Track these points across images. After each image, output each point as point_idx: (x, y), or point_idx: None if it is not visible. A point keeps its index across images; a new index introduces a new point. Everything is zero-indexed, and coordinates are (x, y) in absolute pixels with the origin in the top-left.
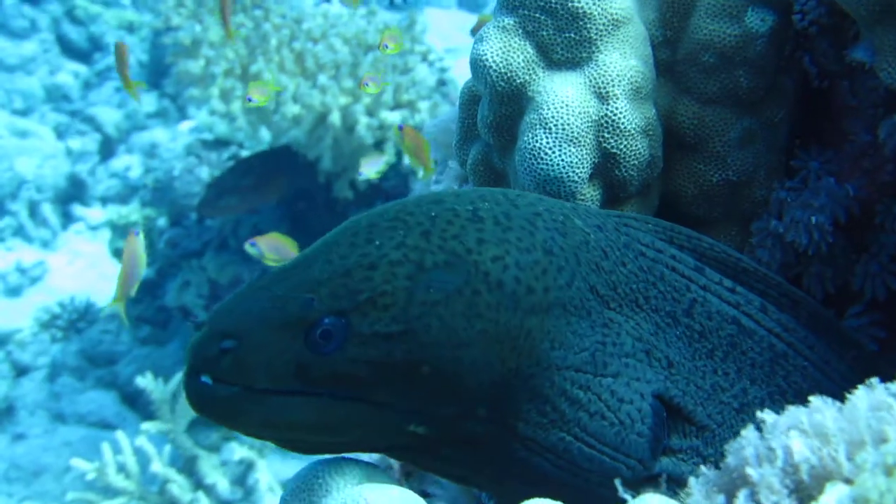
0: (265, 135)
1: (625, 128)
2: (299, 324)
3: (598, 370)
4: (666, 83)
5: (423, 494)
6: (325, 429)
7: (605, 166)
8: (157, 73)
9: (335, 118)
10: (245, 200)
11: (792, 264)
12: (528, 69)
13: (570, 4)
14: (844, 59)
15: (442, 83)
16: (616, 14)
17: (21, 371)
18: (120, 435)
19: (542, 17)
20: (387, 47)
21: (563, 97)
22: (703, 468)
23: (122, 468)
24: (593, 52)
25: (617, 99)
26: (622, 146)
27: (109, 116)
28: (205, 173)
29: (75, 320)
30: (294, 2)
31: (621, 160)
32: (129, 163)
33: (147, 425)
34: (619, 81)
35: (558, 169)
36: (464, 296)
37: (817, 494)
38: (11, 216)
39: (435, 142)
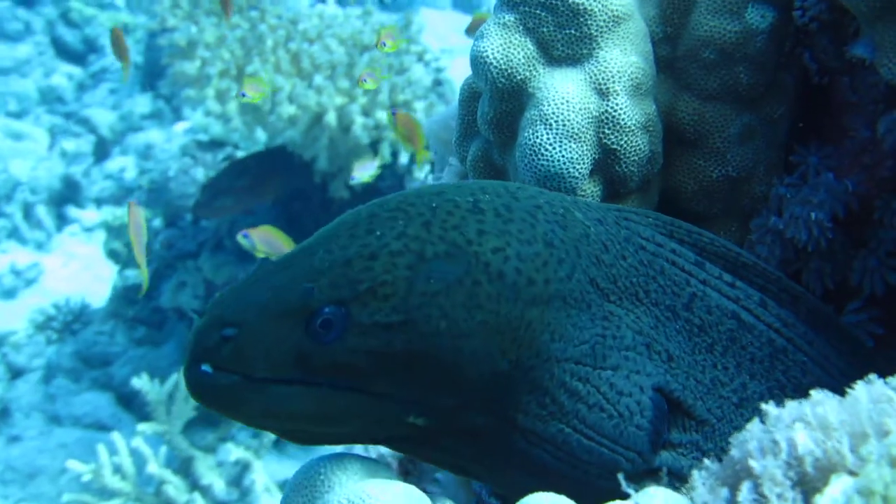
0: (261, 135)
1: (625, 124)
2: (300, 313)
3: (597, 363)
4: (666, 79)
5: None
6: (324, 419)
7: (606, 162)
8: (151, 75)
9: (331, 118)
10: (240, 201)
11: (791, 260)
12: (529, 65)
13: (570, 1)
14: (845, 55)
15: (438, 83)
16: (616, 10)
17: (16, 373)
18: (116, 436)
19: (543, 14)
20: (384, 45)
21: (564, 93)
22: (706, 461)
23: (118, 469)
24: (594, 49)
25: (617, 95)
26: (622, 142)
27: (104, 118)
28: (200, 174)
29: (70, 322)
30: (290, 3)
31: (622, 156)
32: (123, 164)
33: (143, 426)
34: (620, 78)
35: (559, 165)
36: (464, 286)
37: (822, 486)
38: (6, 218)
39: (435, 138)
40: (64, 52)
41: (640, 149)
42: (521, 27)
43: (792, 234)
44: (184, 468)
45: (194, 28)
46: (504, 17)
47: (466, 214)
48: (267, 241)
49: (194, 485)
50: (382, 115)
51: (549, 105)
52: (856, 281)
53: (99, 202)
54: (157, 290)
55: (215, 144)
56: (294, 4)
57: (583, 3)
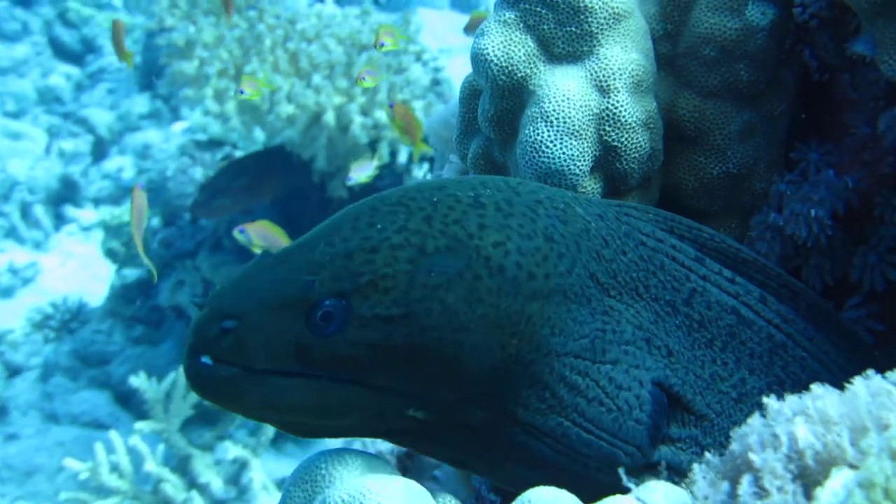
0: (259, 135)
1: (626, 121)
2: (300, 305)
3: (596, 357)
4: (667, 77)
5: None
6: (324, 411)
7: (607, 159)
8: (149, 75)
9: (329, 118)
10: (239, 201)
11: (791, 257)
12: (530, 63)
13: None
14: (845, 52)
15: (436, 83)
16: (617, 8)
17: (13, 371)
18: (113, 434)
19: (543, 11)
20: (382, 45)
21: (565, 91)
22: (707, 455)
23: (115, 468)
24: (594, 46)
25: (618, 92)
26: (623, 139)
27: (102, 118)
28: (198, 174)
29: (68, 321)
30: (288, 2)
31: (622, 153)
32: (121, 164)
33: (140, 425)
34: (621, 75)
35: (560, 162)
36: (465, 280)
37: (823, 479)
38: (4, 217)
39: (435, 136)
40: (61, 52)
41: (640, 146)
42: (521, 24)
43: (792, 231)
44: (181, 466)
45: (192, 28)
46: (504, 15)
47: (467, 209)
48: (263, 235)
49: (192, 483)
50: (381, 115)
51: (549, 102)
52: (856, 277)
53: (97, 202)
54: (155, 288)
55: (214, 144)
56: (292, 4)
57: (583, 1)
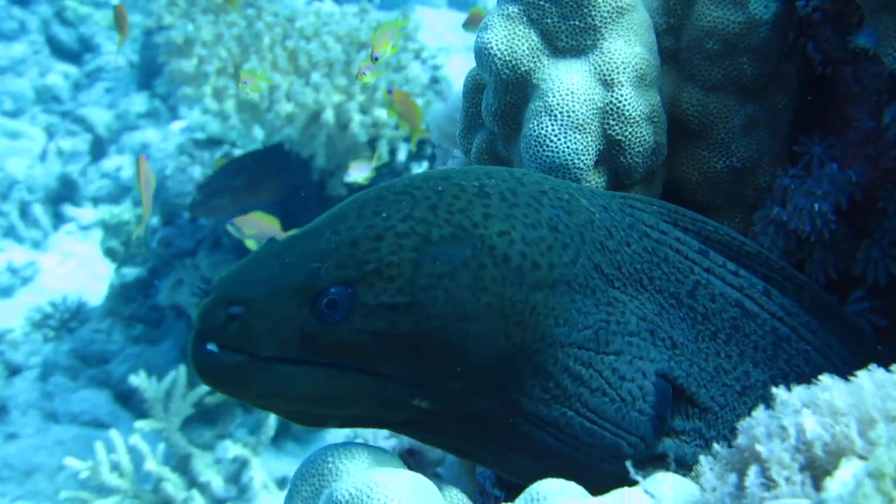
0: (258, 133)
1: (630, 115)
2: (306, 292)
3: (600, 347)
4: (670, 70)
5: None
6: (329, 399)
7: (611, 153)
8: (147, 74)
9: (329, 116)
10: (237, 200)
11: (794, 251)
12: (533, 57)
13: None
14: (848, 45)
15: (435, 81)
16: (620, 1)
17: (13, 371)
18: (113, 433)
19: (547, 5)
20: (377, 58)
21: (569, 84)
22: (715, 447)
23: (115, 467)
24: (598, 40)
25: (622, 86)
26: (627, 133)
27: (100, 117)
28: (197, 172)
29: (67, 320)
30: (286, 0)
31: (626, 147)
32: (120, 163)
33: (140, 423)
34: (624, 69)
35: (564, 156)
36: (469, 269)
37: (832, 469)
38: (2, 217)
39: (438, 131)
40: (59, 50)
41: (644, 140)
42: (524, 18)
43: (796, 226)
44: (182, 465)
45: (191, 26)
46: (508, 9)
47: (472, 198)
48: (255, 226)
49: (192, 482)
50: (380, 113)
51: (553, 96)
52: (859, 271)
53: (96, 201)
54: (155, 287)
55: (213, 142)
56: (290, 2)
57: None
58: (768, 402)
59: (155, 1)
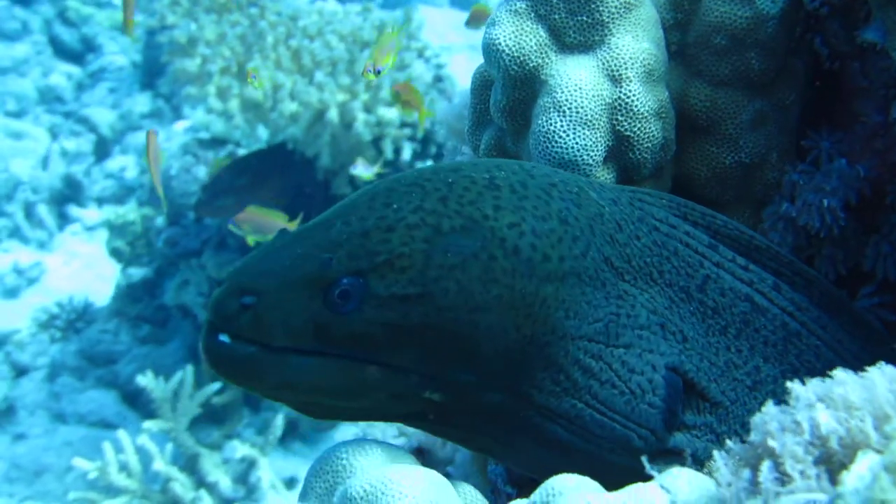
0: (262, 133)
1: (638, 110)
2: (318, 282)
3: (610, 340)
4: (678, 66)
5: None
6: (341, 391)
7: (619, 149)
8: (150, 74)
9: (333, 115)
10: (242, 200)
11: (803, 247)
12: (541, 53)
13: None
14: (855, 39)
15: (438, 79)
16: None
17: (20, 371)
18: (121, 434)
19: (554, 0)
20: (379, 71)
21: (577, 80)
22: (729, 442)
23: (123, 467)
24: (606, 36)
25: (630, 82)
26: (636, 129)
27: (103, 117)
28: (202, 172)
29: (74, 320)
30: None
31: (635, 143)
32: (124, 163)
33: (148, 424)
34: (632, 64)
35: (573, 152)
36: (480, 260)
37: (848, 463)
38: (7, 218)
39: (447, 128)
40: (62, 51)
41: (653, 135)
42: (532, 14)
43: (804, 222)
44: (190, 465)
45: (194, 25)
46: (515, 4)
47: (483, 190)
48: (255, 220)
49: (200, 482)
50: (384, 112)
51: (562, 92)
52: (868, 266)
53: (100, 201)
54: (161, 287)
55: (217, 142)
56: (293, 1)
57: None
58: (779, 397)
59: (158, 0)
